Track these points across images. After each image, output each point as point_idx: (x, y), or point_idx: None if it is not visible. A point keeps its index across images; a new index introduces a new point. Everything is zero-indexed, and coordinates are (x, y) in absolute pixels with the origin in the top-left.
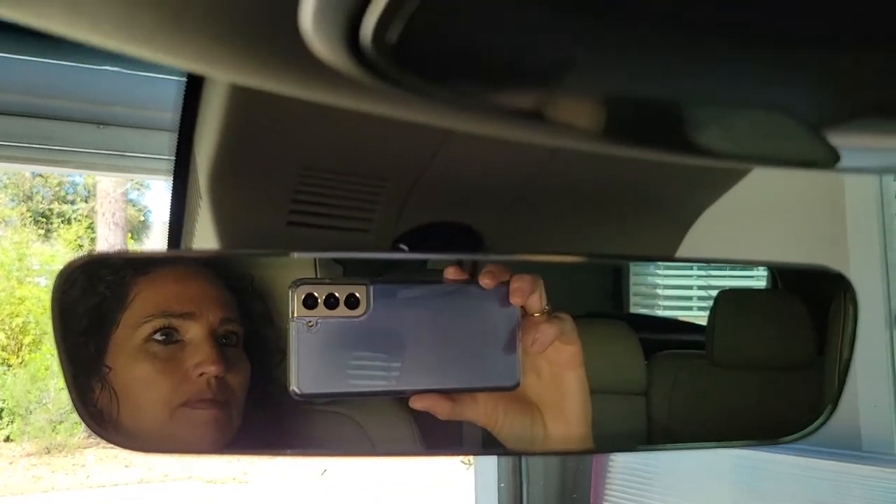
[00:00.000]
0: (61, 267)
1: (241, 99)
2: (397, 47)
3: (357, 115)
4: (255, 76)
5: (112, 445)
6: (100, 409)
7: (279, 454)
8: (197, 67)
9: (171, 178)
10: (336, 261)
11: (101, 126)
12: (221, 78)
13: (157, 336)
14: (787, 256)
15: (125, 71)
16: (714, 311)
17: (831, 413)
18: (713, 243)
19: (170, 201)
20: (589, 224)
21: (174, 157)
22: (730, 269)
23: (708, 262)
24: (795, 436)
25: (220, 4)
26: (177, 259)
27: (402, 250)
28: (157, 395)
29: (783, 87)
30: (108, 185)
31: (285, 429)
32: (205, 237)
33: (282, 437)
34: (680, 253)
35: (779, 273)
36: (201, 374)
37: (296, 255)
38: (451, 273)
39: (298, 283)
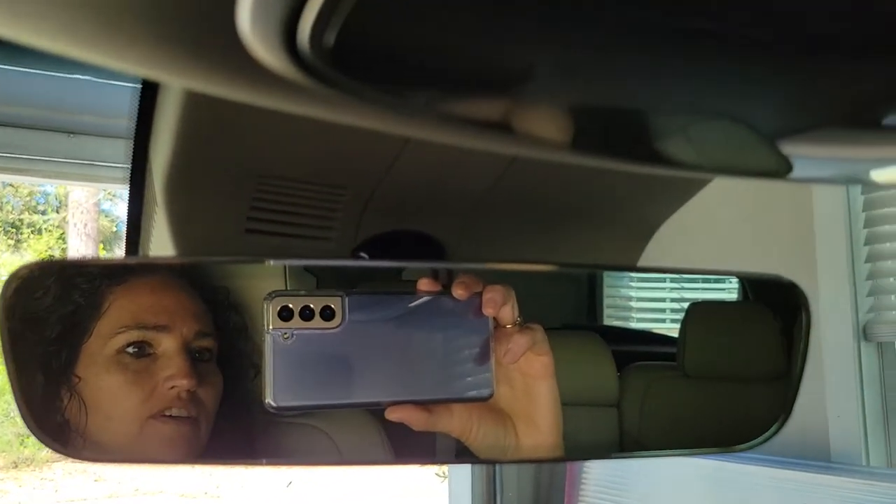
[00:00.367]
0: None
1: (196, 105)
2: (335, 50)
3: (314, 123)
4: (198, 80)
5: (70, 459)
6: (58, 421)
7: (247, 465)
8: (141, 71)
9: (127, 186)
10: (309, 271)
11: (72, 135)
12: (166, 81)
13: (130, 349)
14: (757, 268)
15: (96, 79)
16: (685, 323)
17: (784, 422)
18: (683, 253)
19: (127, 209)
20: (549, 233)
21: (130, 165)
22: (702, 282)
23: (665, 272)
24: (745, 444)
25: (158, 8)
26: (145, 267)
27: (363, 258)
28: (126, 406)
29: (742, 97)
30: (80, 195)
31: (255, 442)
32: (161, 245)
33: (251, 451)
34: (645, 262)
35: (746, 285)
36: (172, 388)
37: (271, 262)
38: (424, 284)
39: (273, 294)
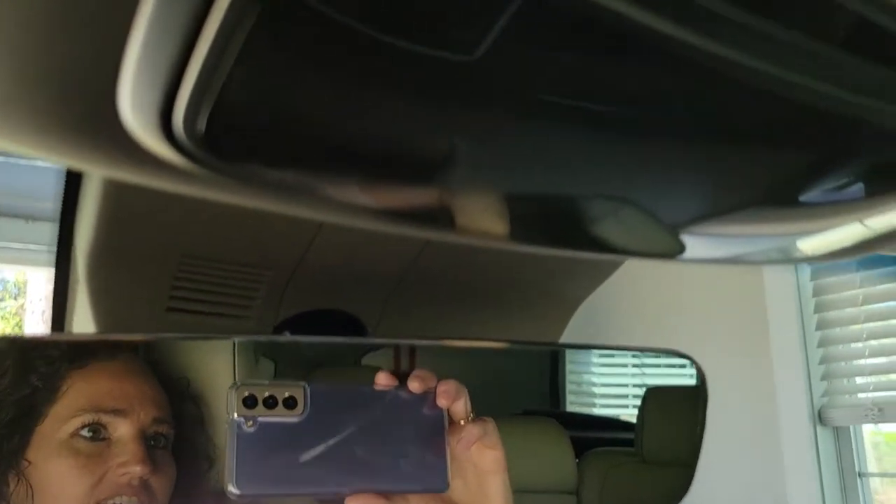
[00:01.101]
0: None
1: (118, 186)
2: (207, 134)
3: (233, 204)
4: (86, 163)
5: None
6: None
7: None
8: (34, 154)
9: (52, 267)
10: (267, 357)
11: (30, 221)
12: (59, 164)
13: (84, 432)
14: (713, 354)
15: (54, 166)
16: (642, 409)
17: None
18: (642, 338)
19: (52, 290)
20: (468, 310)
21: (56, 246)
22: (664, 367)
23: (581, 348)
24: None
25: (38, 99)
26: (103, 347)
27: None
28: (75, 492)
29: (667, 182)
30: (39, 282)
31: None
32: (83, 324)
33: None
34: (604, 335)
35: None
36: (124, 474)
37: (236, 339)
38: (381, 378)
39: (239, 383)
